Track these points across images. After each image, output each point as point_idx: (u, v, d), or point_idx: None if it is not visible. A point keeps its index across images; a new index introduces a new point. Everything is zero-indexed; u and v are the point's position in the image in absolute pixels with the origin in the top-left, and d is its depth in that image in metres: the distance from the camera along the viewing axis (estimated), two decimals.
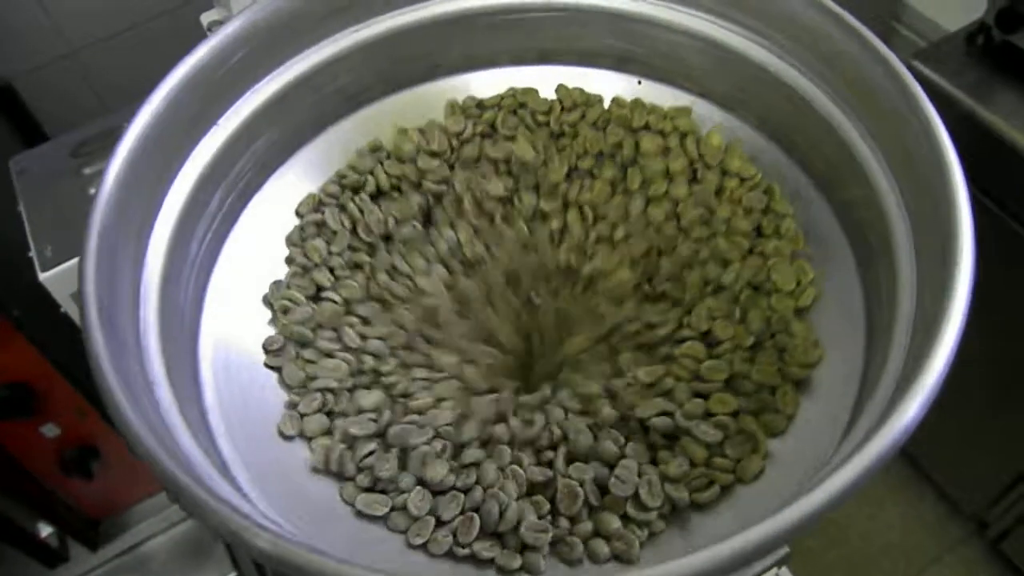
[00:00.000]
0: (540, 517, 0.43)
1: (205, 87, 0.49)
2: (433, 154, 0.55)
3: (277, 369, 0.49)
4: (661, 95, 0.56)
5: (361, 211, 0.53)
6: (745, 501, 0.43)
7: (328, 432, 0.47)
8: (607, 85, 0.57)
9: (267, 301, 0.51)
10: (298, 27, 0.52)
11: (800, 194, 0.51)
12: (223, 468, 0.44)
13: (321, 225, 0.53)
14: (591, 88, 0.57)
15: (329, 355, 0.49)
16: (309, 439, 0.47)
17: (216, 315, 0.49)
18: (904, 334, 0.40)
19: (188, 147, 0.49)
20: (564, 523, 0.43)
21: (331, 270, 0.52)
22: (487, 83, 0.58)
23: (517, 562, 0.42)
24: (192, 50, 0.48)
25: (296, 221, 0.54)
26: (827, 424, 0.42)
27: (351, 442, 0.46)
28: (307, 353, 0.49)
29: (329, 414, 0.48)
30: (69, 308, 0.77)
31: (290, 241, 0.53)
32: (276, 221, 0.54)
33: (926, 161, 0.41)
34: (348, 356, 0.49)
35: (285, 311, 0.50)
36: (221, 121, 0.51)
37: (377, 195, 0.55)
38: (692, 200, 0.52)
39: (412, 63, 0.57)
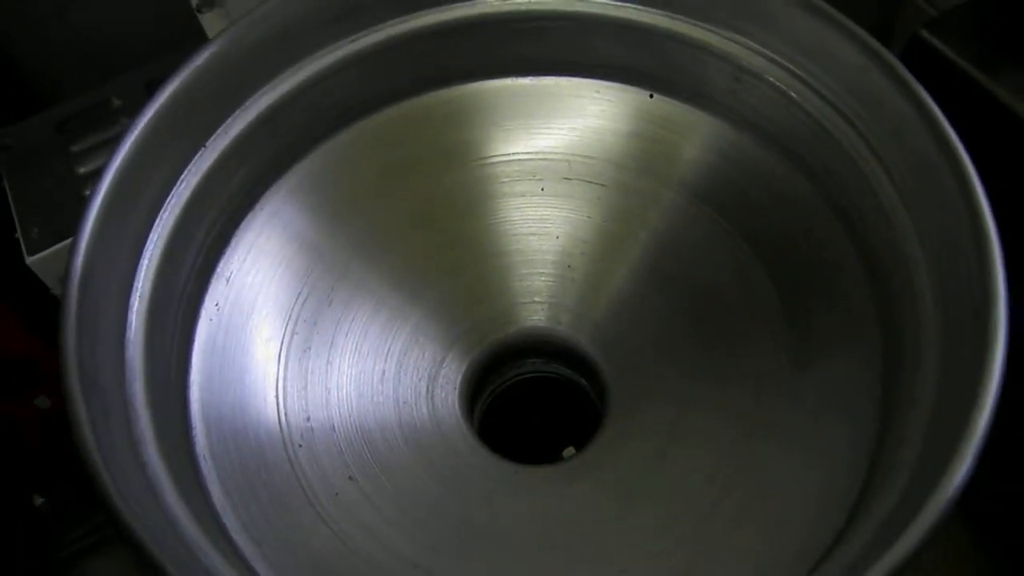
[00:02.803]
0: None
1: (190, 111, 0.46)
2: None
3: None
4: (672, 112, 0.53)
5: None
6: None
7: None
8: (617, 97, 0.54)
9: None
10: (292, 39, 0.49)
11: (820, 234, 0.48)
12: (212, 516, 0.43)
13: None
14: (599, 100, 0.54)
15: None
16: None
17: (206, 352, 0.47)
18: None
19: (175, 175, 0.46)
20: None
21: None
22: (491, 94, 0.55)
23: None
24: (174, 74, 0.45)
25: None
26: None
27: None
28: None
29: None
30: (58, 290, 0.75)
31: None
32: (268, 243, 0.51)
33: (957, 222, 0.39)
34: None
35: None
36: (209, 143, 0.48)
37: None
38: None
39: (413, 73, 0.53)
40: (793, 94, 0.49)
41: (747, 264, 0.50)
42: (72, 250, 0.40)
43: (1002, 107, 0.80)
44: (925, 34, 0.85)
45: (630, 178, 0.54)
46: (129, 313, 0.43)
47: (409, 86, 0.54)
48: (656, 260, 0.53)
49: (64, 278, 0.39)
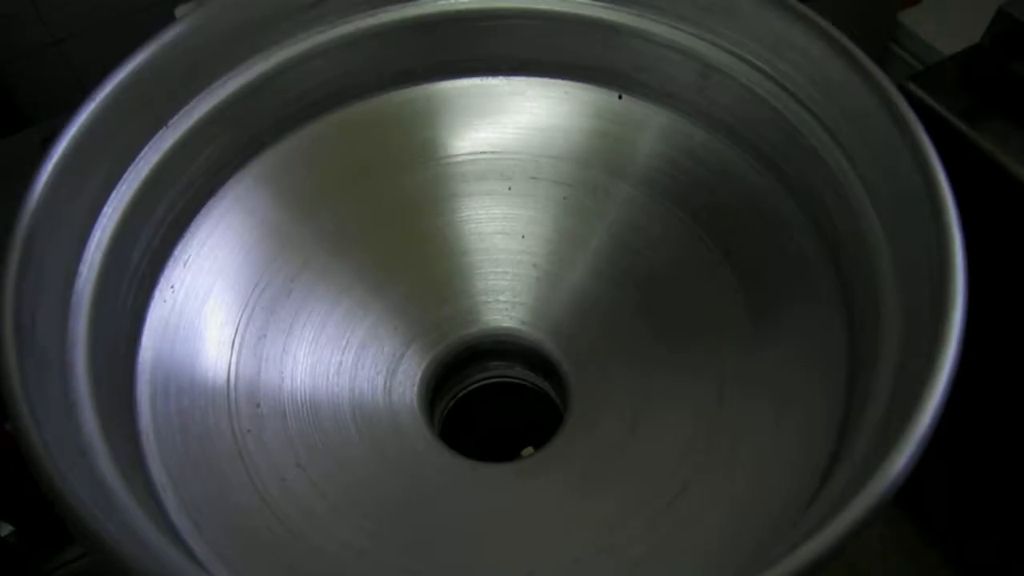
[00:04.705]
0: None
1: (154, 86, 0.46)
2: None
3: None
4: (640, 111, 0.53)
5: None
6: None
7: None
8: (586, 98, 0.54)
9: None
10: (261, 26, 0.49)
11: (786, 229, 0.48)
12: (150, 492, 0.42)
13: None
14: (568, 101, 0.54)
15: None
16: None
17: (158, 331, 0.46)
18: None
19: (133, 150, 0.46)
20: None
21: None
22: (460, 92, 0.55)
23: None
24: (139, 48, 0.45)
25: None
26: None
27: None
28: None
29: None
30: None
31: None
32: (229, 230, 0.51)
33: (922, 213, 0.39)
34: None
35: None
36: (171, 122, 0.48)
37: None
38: None
39: (382, 68, 0.54)
40: (759, 90, 0.49)
41: (713, 262, 0.50)
42: (21, 204, 0.40)
43: (986, 157, 0.81)
44: (912, 87, 0.86)
45: (597, 178, 0.54)
46: (77, 280, 0.42)
47: (377, 81, 0.54)
48: (622, 261, 0.53)
49: (9, 231, 0.39)
